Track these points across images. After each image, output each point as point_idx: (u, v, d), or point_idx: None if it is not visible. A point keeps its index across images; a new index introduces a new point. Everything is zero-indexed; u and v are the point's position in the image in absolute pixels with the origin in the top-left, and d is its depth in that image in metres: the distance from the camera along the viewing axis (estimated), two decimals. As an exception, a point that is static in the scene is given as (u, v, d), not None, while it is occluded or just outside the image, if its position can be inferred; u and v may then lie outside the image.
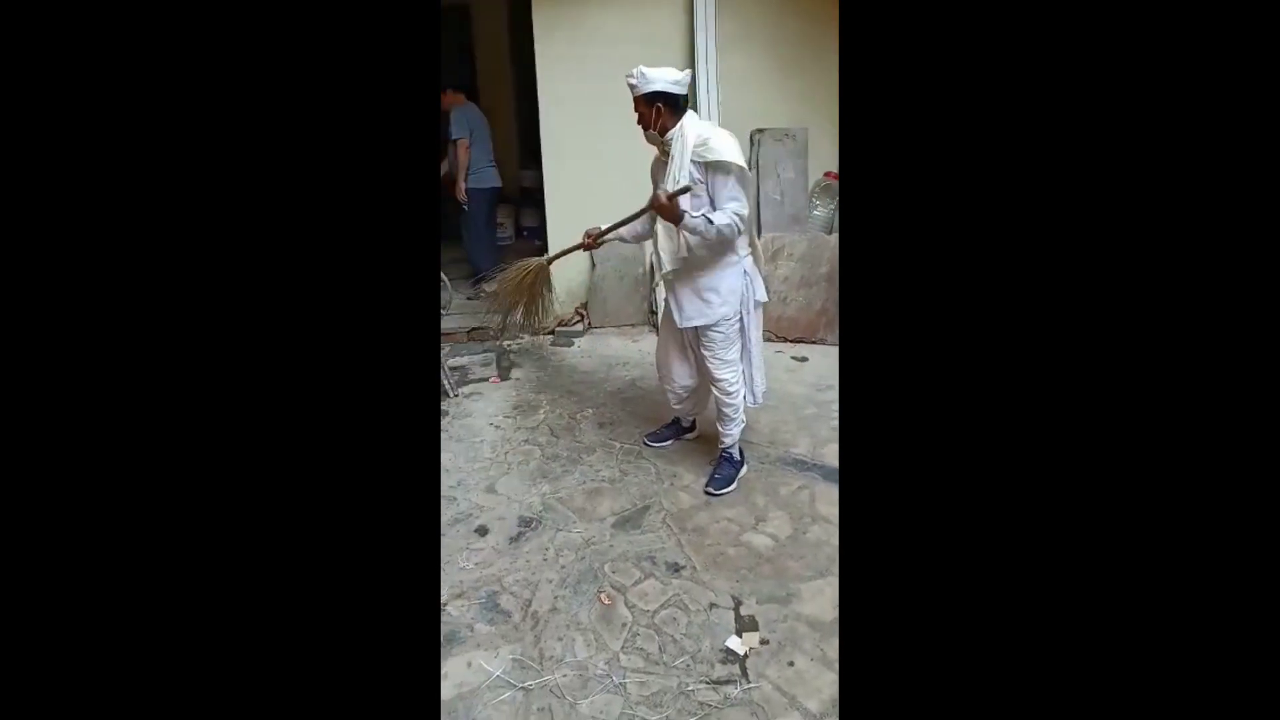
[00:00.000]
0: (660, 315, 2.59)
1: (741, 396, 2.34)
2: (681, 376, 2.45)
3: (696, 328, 2.28)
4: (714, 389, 2.35)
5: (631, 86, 2.14)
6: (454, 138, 4.00)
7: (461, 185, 4.07)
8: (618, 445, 2.70)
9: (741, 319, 2.27)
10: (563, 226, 4.04)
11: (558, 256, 2.69)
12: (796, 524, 2.18)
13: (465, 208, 4.15)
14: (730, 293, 2.22)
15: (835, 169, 4.18)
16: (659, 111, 2.13)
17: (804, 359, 3.48)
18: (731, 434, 2.38)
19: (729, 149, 2.09)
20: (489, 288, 4.32)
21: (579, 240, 2.49)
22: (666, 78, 2.11)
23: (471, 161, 4.12)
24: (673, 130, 2.14)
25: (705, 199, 2.13)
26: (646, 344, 3.82)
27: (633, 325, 4.10)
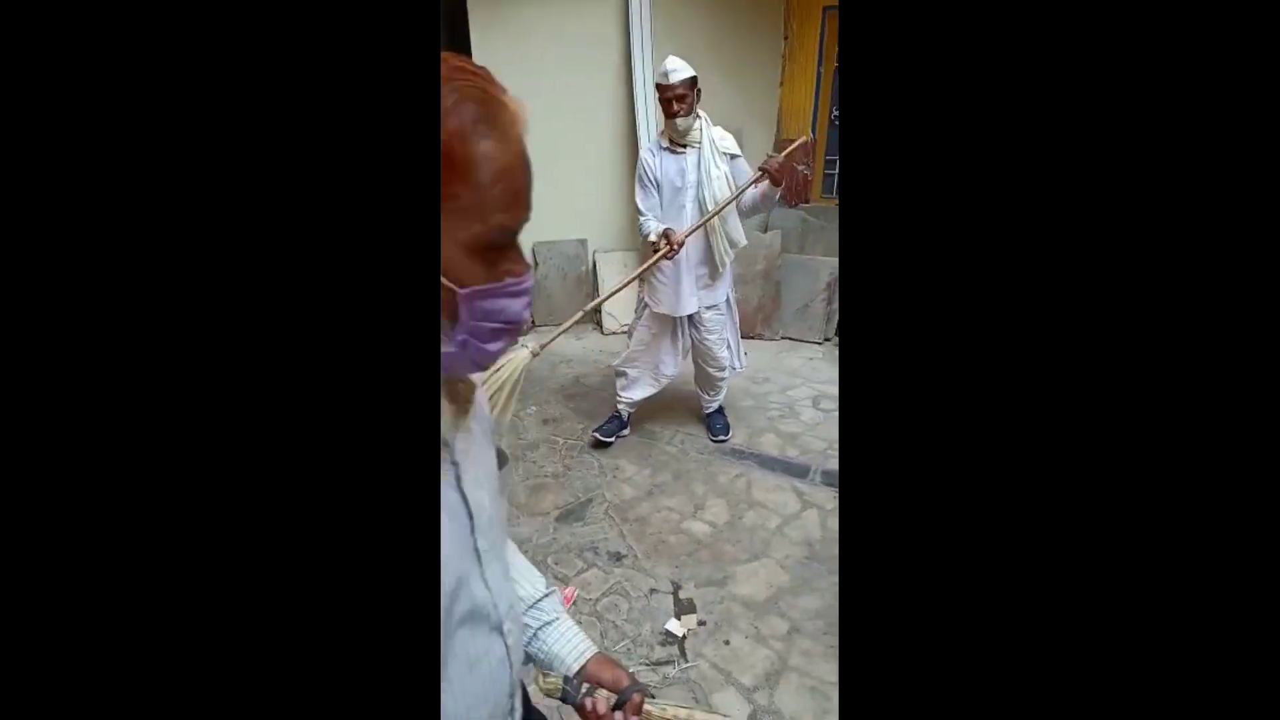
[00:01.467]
0: (637, 316, 2.68)
1: (729, 368, 2.68)
2: (669, 366, 2.67)
3: (700, 317, 2.55)
4: (708, 367, 2.64)
5: (673, 72, 2.26)
6: None
7: None
8: (561, 441, 2.74)
9: (729, 298, 2.61)
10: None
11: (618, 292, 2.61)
12: (733, 510, 2.27)
13: None
14: (728, 275, 2.57)
15: (770, 168, 4.30)
16: (699, 94, 2.34)
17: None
18: (720, 396, 2.75)
19: (735, 145, 2.45)
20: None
21: (658, 252, 2.35)
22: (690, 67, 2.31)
23: None
24: (697, 120, 2.36)
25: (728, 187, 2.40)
26: (590, 342, 3.86)
27: (576, 324, 4.13)
